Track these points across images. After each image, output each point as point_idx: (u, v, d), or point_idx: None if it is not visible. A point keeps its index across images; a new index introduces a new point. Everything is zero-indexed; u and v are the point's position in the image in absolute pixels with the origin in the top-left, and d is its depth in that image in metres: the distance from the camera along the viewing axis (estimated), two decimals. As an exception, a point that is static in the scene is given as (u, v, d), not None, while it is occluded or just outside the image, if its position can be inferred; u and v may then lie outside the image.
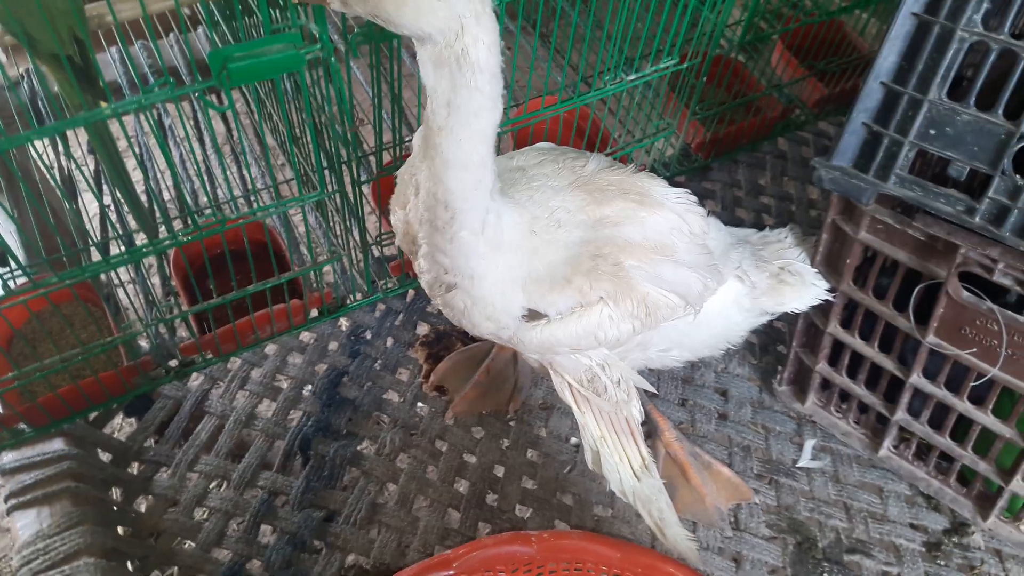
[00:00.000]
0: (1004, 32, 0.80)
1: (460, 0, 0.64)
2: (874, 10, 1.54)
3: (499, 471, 1.13)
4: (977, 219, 0.86)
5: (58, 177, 1.33)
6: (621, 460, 0.94)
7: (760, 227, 1.42)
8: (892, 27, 0.86)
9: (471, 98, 0.69)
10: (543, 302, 0.84)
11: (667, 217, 0.90)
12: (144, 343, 1.18)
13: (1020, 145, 0.81)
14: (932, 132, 0.87)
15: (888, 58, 0.87)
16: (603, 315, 0.84)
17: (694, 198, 0.95)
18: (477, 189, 0.75)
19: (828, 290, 1.05)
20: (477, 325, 0.86)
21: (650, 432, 1.10)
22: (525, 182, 0.89)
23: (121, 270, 1.21)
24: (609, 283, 0.84)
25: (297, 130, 1.06)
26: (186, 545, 1.05)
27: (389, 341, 1.27)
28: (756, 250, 1.07)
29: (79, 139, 1.56)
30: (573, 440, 1.17)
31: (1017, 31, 0.80)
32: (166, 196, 1.46)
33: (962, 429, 1.04)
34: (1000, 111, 0.82)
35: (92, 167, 1.45)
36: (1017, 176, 0.82)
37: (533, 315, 0.85)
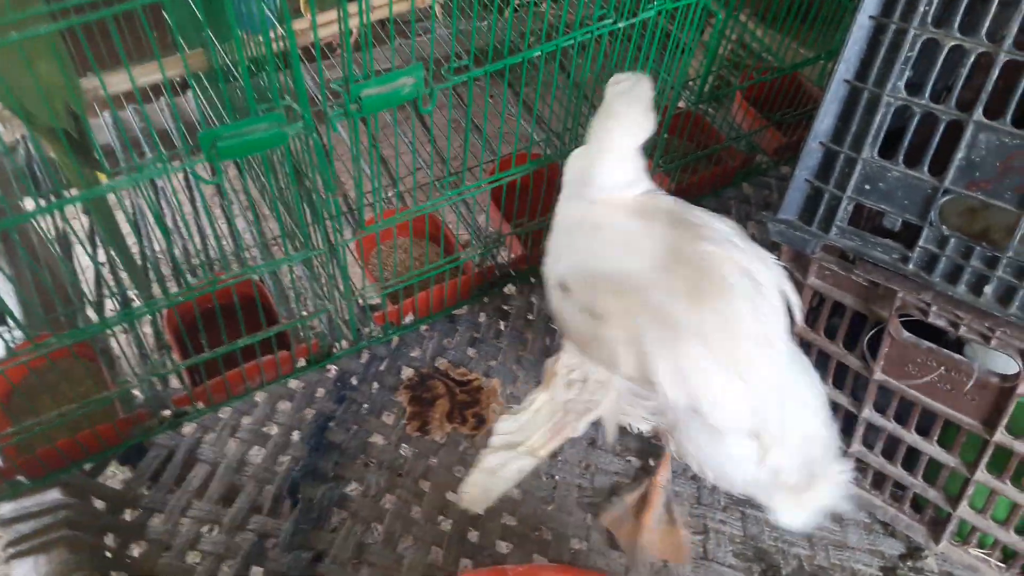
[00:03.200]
0: (924, 97, 0.88)
1: None
2: (827, 61, 1.63)
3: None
4: (911, 266, 0.94)
5: (53, 237, 1.39)
6: (527, 435, 1.00)
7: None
8: (827, 92, 0.94)
9: None
10: None
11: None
12: (138, 394, 1.23)
13: (946, 198, 0.89)
14: (867, 187, 0.95)
15: (825, 120, 0.96)
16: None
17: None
18: None
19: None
20: None
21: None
22: None
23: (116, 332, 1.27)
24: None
25: (284, 193, 1.13)
26: (181, 588, 1.10)
27: (375, 386, 1.33)
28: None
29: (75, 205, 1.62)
30: (553, 477, 1.23)
31: (939, 96, 0.88)
32: (159, 255, 1.52)
33: (912, 459, 1.11)
34: (925, 168, 0.90)
35: (87, 227, 1.51)
36: (943, 227, 0.90)
37: None
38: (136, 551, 1.13)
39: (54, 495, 1.13)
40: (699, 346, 0.87)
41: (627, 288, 0.91)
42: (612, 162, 1.00)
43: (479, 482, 1.04)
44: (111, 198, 1.27)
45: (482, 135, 1.43)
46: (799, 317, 0.97)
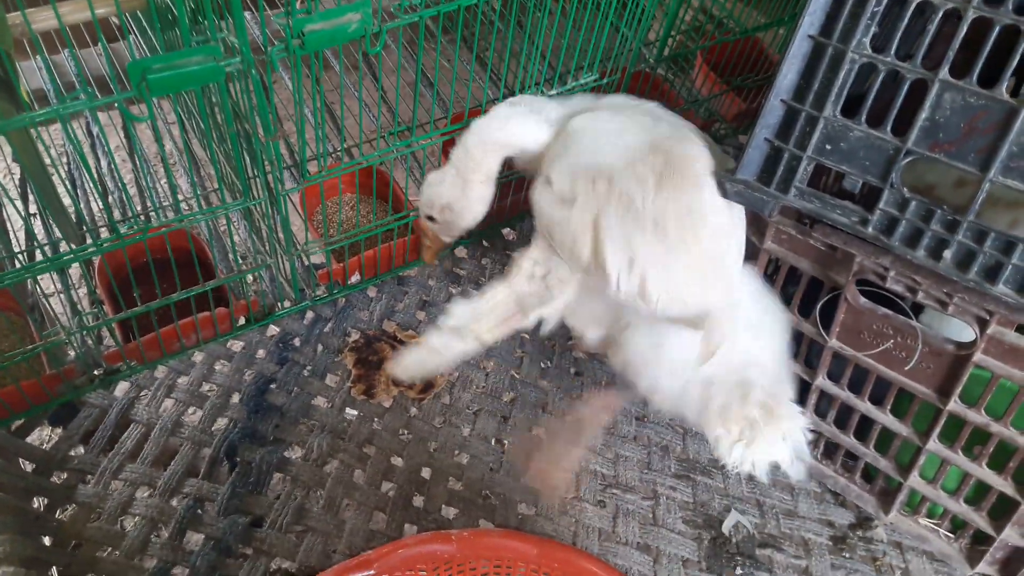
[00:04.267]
0: (890, 54, 0.85)
1: None
2: (790, 27, 1.61)
3: (426, 473, 1.15)
4: (870, 229, 0.92)
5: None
6: (478, 320, 1.02)
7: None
8: (790, 48, 0.91)
9: None
10: None
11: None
12: (70, 353, 1.17)
13: (907, 159, 0.87)
14: (828, 147, 0.92)
15: (787, 76, 0.92)
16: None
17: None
18: None
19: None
20: None
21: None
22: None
23: (48, 283, 1.20)
24: None
25: (219, 141, 1.08)
26: (110, 553, 1.05)
27: (318, 348, 1.29)
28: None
29: (3, 151, 1.54)
30: (501, 442, 1.20)
31: (906, 53, 0.85)
32: (94, 207, 1.45)
33: (865, 428, 1.10)
34: (888, 128, 0.87)
35: (17, 177, 1.43)
36: (904, 189, 0.88)
37: None
38: (65, 515, 1.08)
39: (-24, 455, 1.07)
40: (653, 233, 0.89)
41: (600, 176, 0.92)
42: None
43: (417, 357, 1.08)
44: (40, 145, 1.20)
45: (433, 89, 1.37)
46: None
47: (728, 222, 0.96)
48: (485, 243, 1.46)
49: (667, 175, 0.91)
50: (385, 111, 1.52)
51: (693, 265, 0.92)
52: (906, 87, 0.85)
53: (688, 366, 0.95)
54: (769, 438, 0.92)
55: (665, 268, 0.91)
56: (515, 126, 1.01)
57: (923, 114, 0.84)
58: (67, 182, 1.15)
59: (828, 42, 0.88)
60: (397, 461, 1.16)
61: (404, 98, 1.69)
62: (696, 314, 0.93)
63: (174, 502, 1.09)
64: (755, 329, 0.98)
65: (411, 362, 1.09)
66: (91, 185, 1.41)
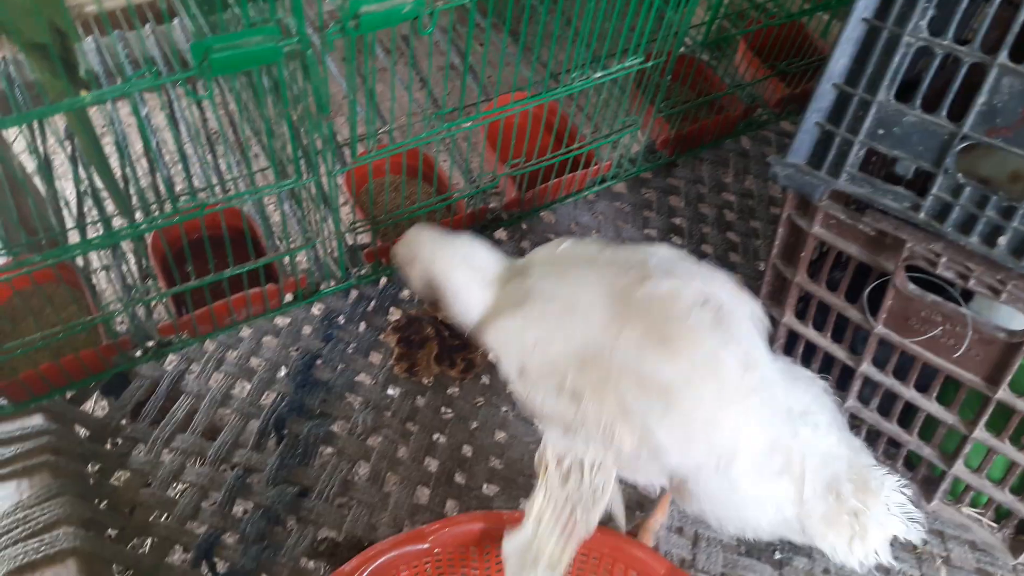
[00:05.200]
0: (948, 37, 0.84)
1: None
2: (835, 12, 1.59)
3: (467, 451, 1.17)
4: (922, 215, 0.91)
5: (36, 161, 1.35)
6: (539, 549, 0.86)
7: (722, 223, 1.46)
8: (843, 31, 0.90)
9: None
10: None
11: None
12: (123, 327, 1.20)
13: (963, 144, 0.86)
14: (881, 132, 0.92)
15: (840, 61, 0.92)
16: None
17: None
18: None
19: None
20: None
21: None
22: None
23: (101, 257, 1.24)
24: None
25: (273, 121, 1.10)
26: (163, 518, 1.08)
27: (361, 326, 1.31)
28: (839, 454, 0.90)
29: (57, 125, 1.57)
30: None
31: (962, 37, 0.84)
32: (144, 183, 1.48)
33: (908, 416, 1.09)
34: (944, 112, 0.86)
35: (69, 152, 1.46)
36: (959, 175, 0.87)
37: None
38: (119, 480, 1.11)
39: (37, 420, 1.11)
40: (693, 401, 0.82)
41: (589, 356, 0.83)
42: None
43: None
44: (97, 121, 1.23)
45: (480, 77, 1.38)
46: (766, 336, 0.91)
47: (744, 358, 0.85)
48: (524, 226, 1.47)
49: (664, 337, 0.82)
50: (429, 99, 1.53)
51: (739, 414, 0.84)
52: (964, 71, 0.84)
53: (773, 499, 0.87)
54: (878, 519, 0.87)
55: (712, 423, 0.83)
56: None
57: (980, 99, 0.84)
58: (124, 160, 1.17)
59: (883, 25, 0.87)
60: (439, 438, 1.18)
61: (443, 81, 1.70)
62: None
63: (223, 471, 1.12)
64: (808, 416, 0.89)
65: None
66: (146, 163, 1.44)
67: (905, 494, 0.90)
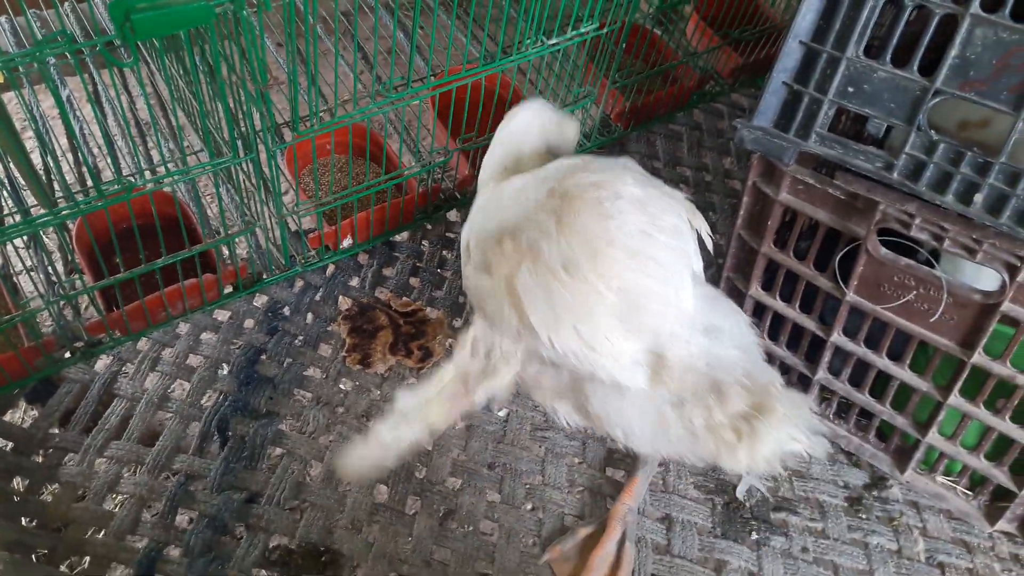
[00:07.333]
0: (918, -12, 0.81)
1: None
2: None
3: (427, 444, 1.11)
4: (895, 175, 0.88)
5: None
6: (427, 408, 0.94)
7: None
8: (810, -14, 0.86)
9: None
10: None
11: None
12: (48, 327, 1.11)
13: (935, 100, 0.83)
14: (850, 90, 0.88)
15: (806, 17, 0.88)
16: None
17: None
18: None
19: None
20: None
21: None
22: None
23: (23, 258, 1.14)
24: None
25: (206, 96, 1.02)
26: (99, 534, 0.99)
27: (309, 317, 1.23)
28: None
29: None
30: (502, 412, 1.16)
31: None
32: (70, 179, 1.38)
33: (881, 386, 1.06)
34: (915, 67, 0.83)
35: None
36: (932, 131, 0.84)
37: None
38: (48, 495, 1.02)
39: (-49, 435, 1.01)
40: (569, 279, 0.80)
41: (504, 234, 0.85)
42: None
43: (365, 453, 0.95)
44: (9, 103, 1.13)
45: (428, 57, 1.31)
46: (710, 244, 0.89)
47: (658, 240, 0.83)
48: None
49: (566, 211, 0.82)
50: (370, 70, 1.46)
51: (624, 301, 0.81)
52: (935, 23, 0.81)
53: (653, 399, 0.85)
54: (771, 425, 0.80)
55: (591, 314, 0.81)
56: None
57: (952, 51, 0.80)
58: (44, 149, 1.07)
59: (852, -23, 0.84)
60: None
61: (387, 58, 1.63)
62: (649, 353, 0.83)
63: (163, 480, 1.04)
64: (711, 333, 0.86)
65: (359, 459, 0.95)
66: (67, 152, 1.34)
67: (814, 410, 0.86)
